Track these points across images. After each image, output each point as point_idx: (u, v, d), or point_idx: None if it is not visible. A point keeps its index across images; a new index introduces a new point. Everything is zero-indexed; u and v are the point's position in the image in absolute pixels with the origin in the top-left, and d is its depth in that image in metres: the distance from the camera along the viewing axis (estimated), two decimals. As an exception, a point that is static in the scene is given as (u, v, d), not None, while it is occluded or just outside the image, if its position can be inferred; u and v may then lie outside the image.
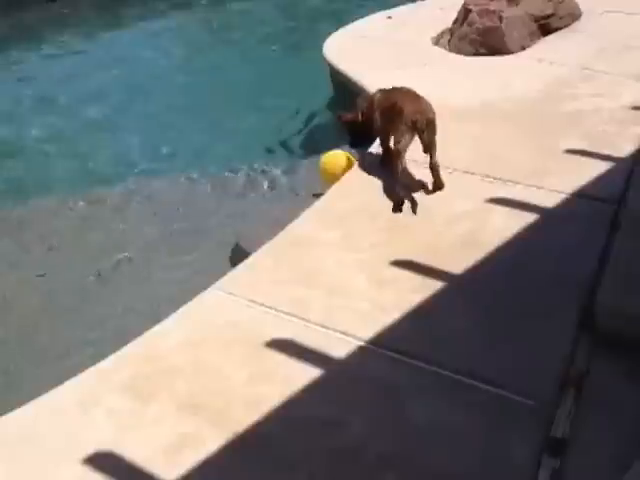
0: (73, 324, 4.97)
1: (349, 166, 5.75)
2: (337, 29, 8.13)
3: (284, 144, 7.44)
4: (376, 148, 5.63)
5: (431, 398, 3.47)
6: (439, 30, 7.98)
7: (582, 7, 8.23)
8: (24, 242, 6.03)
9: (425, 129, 4.92)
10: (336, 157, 6.02)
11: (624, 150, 5.41)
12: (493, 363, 3.63)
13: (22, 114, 8.55)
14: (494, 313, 3.96)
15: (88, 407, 3.48)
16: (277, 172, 6.60)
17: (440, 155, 5.29)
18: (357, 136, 5.51)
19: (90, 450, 3.24)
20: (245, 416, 3.36)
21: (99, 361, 3.75)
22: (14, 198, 6.72)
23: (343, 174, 5.72)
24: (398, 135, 4.97)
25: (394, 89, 5.25)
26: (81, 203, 6.52)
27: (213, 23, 12.06)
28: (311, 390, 3.50)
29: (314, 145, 7.02)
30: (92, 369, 3.70)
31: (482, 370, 3.58)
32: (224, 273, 4.48)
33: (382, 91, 5.34)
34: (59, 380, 3.65)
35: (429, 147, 4.97)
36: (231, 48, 10.59)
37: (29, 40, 11.09)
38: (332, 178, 5.91)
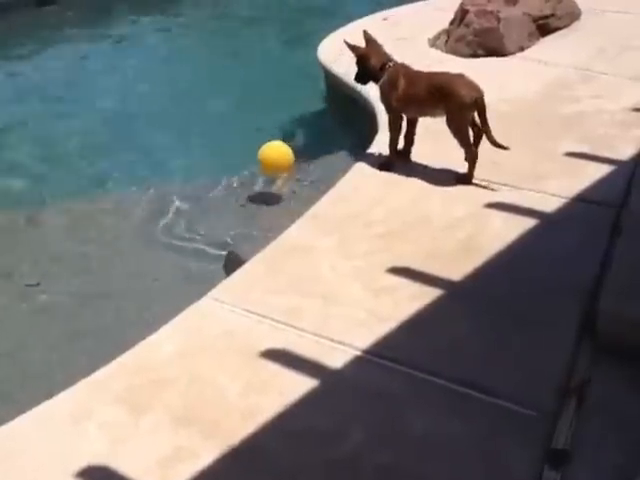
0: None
1: (287, 158, 6.19)
2: (332, 30, 8.14)
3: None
4: (374, 149, 5.64)
5: (430, 408, 3.47)
6: (436, 31, 7.96)
7: (581, 7, 8.22)
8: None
9: (483, 107, 5.09)
10: (276, 148, 6.35)
11: (625, 153, 5.42)
12: (493, 372, 3.63)
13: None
14: (494, 320, 3.96)
15: (80, 419, 3.46)
16: (271, 178, 6.56)
17: (437, 158, 5.33)
18: (361, 73, 5.51)
19: (83, 463, 3.23)
20: (240, 427, 3.35)
21: (92, 372, 3.73)
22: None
23: (283, 166, 6.17)
24: (460, 116, 5.12)
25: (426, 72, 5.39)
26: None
27: (199, 25, 12.08)
28: (307, 400, 3.49)
29: (308, 150, 7.01)
30: (84, 381, 3.68)
31: (482, 379, 3.58)
32: (218, 281, 4.48)
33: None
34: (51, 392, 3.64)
35: (487, 124, 5.13)
36: (220, 50, 10.60)
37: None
38: (271, 169, 6.33)
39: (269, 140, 6.58)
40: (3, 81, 9.65)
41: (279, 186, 6.45)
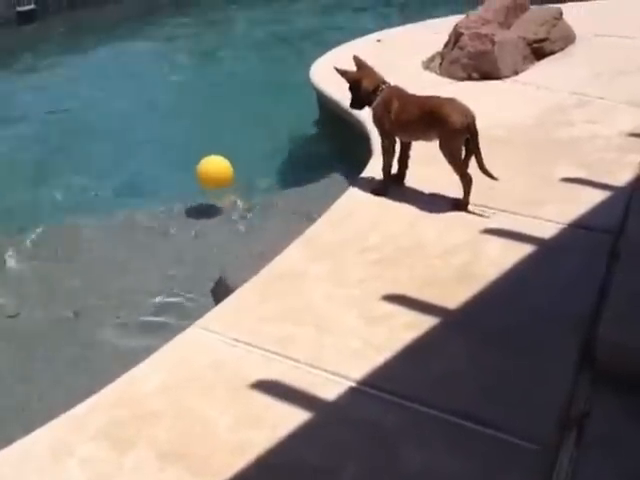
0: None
1: (226, 172, 6.47)
2: (324, 52, 8.10)
3: (269, 172, 7.36)
4: (368, 173, 5.56)
5: (427, 442, 3.35)
6: (429, 54, 7.94)
7: (576, 31, 8.22)
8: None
9: (475, 132, 5.03)
10: (214, 163, 6.59)
11: (622, 178, 5.36)
12: (492, 404, 3.53)
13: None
14: (491, 350, 3.86)
15: (61, 456, 3.32)
16: (262, 202, 6.50)
17: (432, 182, 5.26)
18: (355, 98, 5.42)
19: (64, 502, 3.12)
20: (230, 464, 3.23)
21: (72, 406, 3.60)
22: None
23: (220, 180, 6.45)
24: (452, 141, 5.06)
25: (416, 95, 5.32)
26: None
27: (193, 44, 12.14)
28: (300, 434, 3.38)
29: (301, 174, 6.95)
30: (65, 415, 3.54)
31: (480, 412, 3.48)
32: (207, 309, 4.37)
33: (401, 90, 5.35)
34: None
35: (478, 149, 5.05)
36: (214, 71, 10.61)
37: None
38: (210, 183, 6.57)
39: (209, 155, 6.75)
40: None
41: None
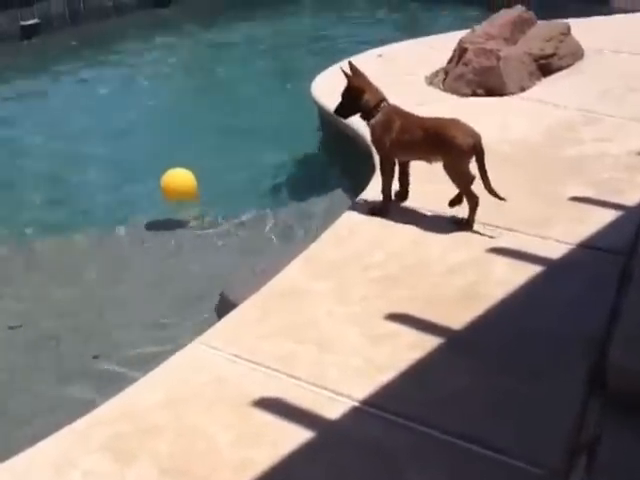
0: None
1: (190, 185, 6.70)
2: (326, 67, 8.14)
3: (270, 190, 7.42)
4: (370, 192, 5.60)
5: (430, 465, 3.39)
6: (433, 69, 7.99)
7: (584, 46, 8.27)
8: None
9: (481, 152, 5.06)
10: (179, 175, 6.85)
11: (632, 198, 5.39)
12: (497, 427, 3.56)
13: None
14: (497, 372, 3.90)
15: (64, 468, 3.38)
16: (264, 219, 6.55)
17: (436, 201, 5.30)
18: (348, 105, 5.37)
19: (64, 517, 3.17)
20: (232, 482, 3.28)
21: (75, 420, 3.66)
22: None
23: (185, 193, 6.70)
24: (458, 163, 5.09)
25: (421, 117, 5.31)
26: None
27: (198, 57, 12.26)
28: (301, 454, 3.42)
29: (302, 190, 7.01)
30: (67, 428, 3.61)
31: (486, 435, 3.51)
32: (209, 325, 4.43)
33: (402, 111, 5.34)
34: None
35: (485, 169, 5.08)
36: (216, 87, 10.71)
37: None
38: (174, 196, 6.79)
39: (173, 167, 6.96)
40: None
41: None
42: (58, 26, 12.91)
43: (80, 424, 3.64)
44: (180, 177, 6.92)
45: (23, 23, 12.53)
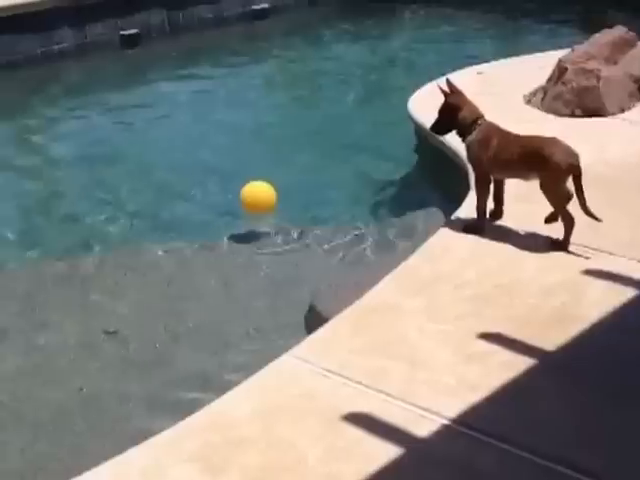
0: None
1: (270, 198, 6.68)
2: (424, 84, 8.15)
3: (366, 206, 7.44)
4: (463, 211, 5.59)
5: (519, 486, 3.38)
6: (531, 88, 7.93)
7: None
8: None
9: (579, 172, 5.02)
10: (259, 188, 6.81)
11: None
12: (590, 452, 3.52)
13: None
14: (591, 396, 3.86)
15: (153, 478, 3.44)
16: (358, 234, 6.57)
17: (530, 220, 5.26)
18: (444, 122, 5.42)
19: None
20: (319, 496, 3.31)
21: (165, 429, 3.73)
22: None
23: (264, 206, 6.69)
24: (555, 183, 5.07)
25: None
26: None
27: (294, 71, 12.40)
28: (390, 470, 3.43)
29: (397, 207, 7.02)
30: (157, 437, 3.68)
31: (578, 458, 3.47)
32: (299, 338, 4.47)
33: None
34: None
35: (582, 190, 5.04)
36: (312, 102, 10.81)
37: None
38: (254, 209, 6.80)
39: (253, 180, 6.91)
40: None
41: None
42: (157, 37, 13.18)
43: (170, 433, 3.70)
44: (261, 190, 6.90)
45: (123, 32, 12.81)
